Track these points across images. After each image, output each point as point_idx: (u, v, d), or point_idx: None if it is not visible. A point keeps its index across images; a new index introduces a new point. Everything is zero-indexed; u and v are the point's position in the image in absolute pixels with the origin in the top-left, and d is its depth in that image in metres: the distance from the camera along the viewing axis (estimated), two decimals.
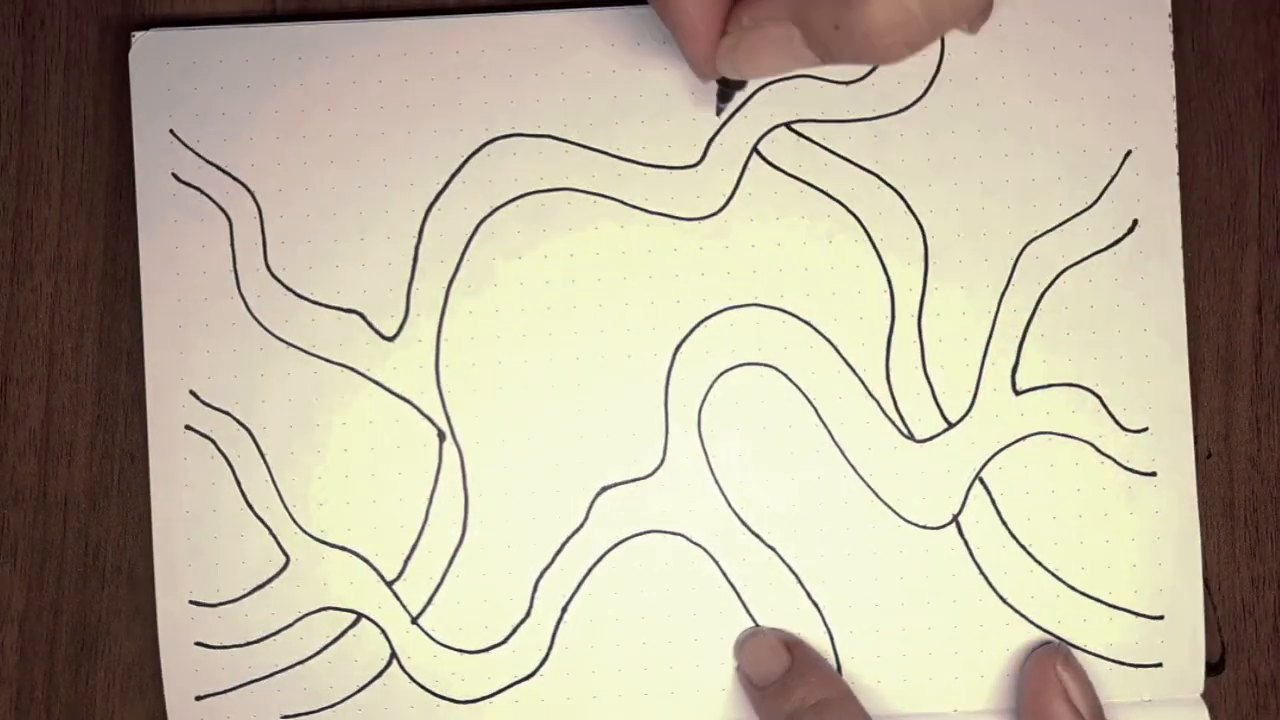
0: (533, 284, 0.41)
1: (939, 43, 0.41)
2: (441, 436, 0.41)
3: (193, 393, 0.41)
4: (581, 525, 0.41)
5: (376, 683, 0.41)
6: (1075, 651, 0.40)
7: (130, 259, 0.41)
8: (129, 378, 0.42)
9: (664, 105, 0.41)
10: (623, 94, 0.41)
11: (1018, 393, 0.41)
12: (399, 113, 0.41)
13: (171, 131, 0.41)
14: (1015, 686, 0.40)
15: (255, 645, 0.40)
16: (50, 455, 0.42)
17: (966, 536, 0.41)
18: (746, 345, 0.41)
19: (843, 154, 0.41)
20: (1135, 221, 0.41)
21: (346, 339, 0.41)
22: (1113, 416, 0.41)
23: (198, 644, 0.40)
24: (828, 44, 0.31)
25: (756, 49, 0.33)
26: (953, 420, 0.41)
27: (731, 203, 0.41)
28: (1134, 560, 0.41)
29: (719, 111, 0.40)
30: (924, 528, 0.41)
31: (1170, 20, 0.41)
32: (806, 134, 0.41)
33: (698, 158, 0.41)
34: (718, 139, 0.41)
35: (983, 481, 0.41)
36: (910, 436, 0.41)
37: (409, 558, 0.41)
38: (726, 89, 0.38)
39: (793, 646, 0.40)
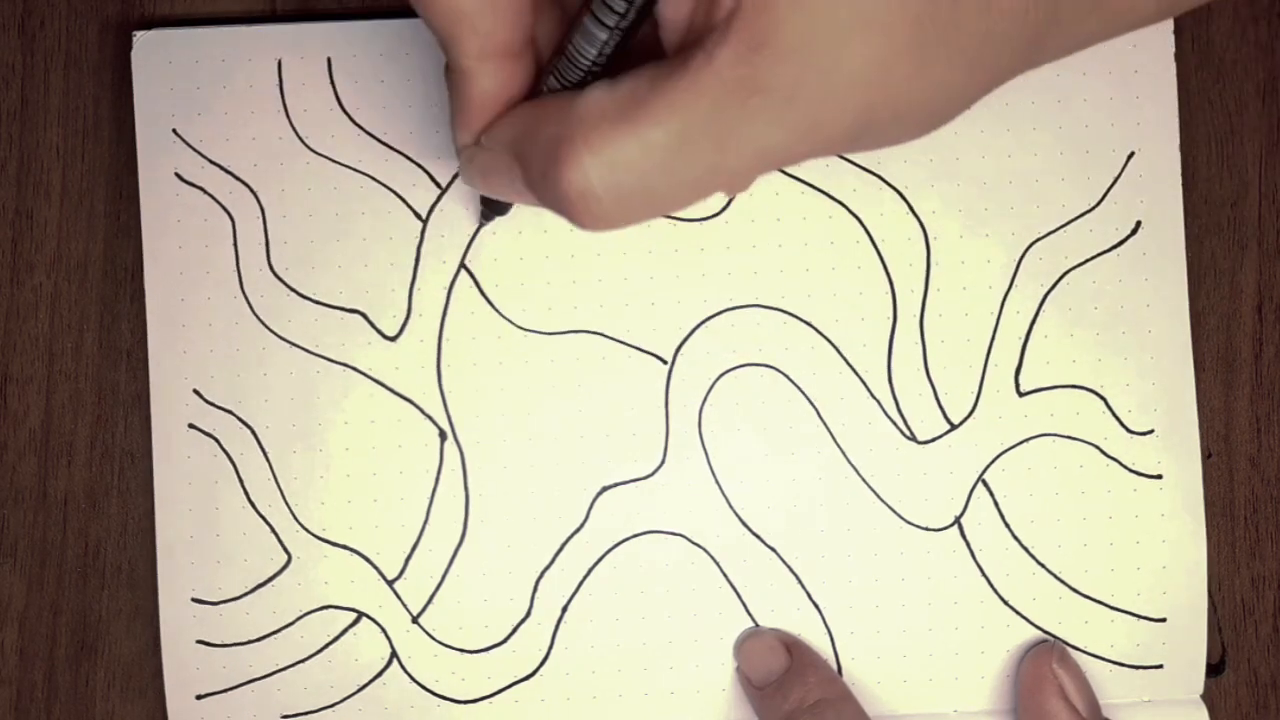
0: (534, 285, 0.41)
1: None
2: (443, 436, 0.41)
3: (196, 392, 0.41)
4: (582, 525, 0.41)
5: (377, 682, 0.41)
6: (1075, 653, 0.41)
7: (130, 259, 0.42)
8: (129, 378, 0.42)
9: None
10: None
11: (1021, 394, 0.41)
12: (401, 112, 0.41)
13: (174, 131, 0.41)
14: (1013, 686, 0.41)
15: (256, 644, 0.41)
16: (50, 455, 0.42)
17: (969, 538, 0.41)
18: (747, 346, 0.41)
19: (844, 155, 0.41)
20: (1139, 223, 0.41)
21: (349, 339, 0.41)
22: (1118, 419, 0.41)
23: (199, 642, 0.41)
24: (536, 190, 0.30)
25: (486, 171, 0.32)
26: (955, 422, 0.41)
27: (733, 204, 0.41)
28: (1139, 563, 0.41)
29: (479, 226, 0.41)
30: (926, 529, 0.41)
31: (1171, 21, 0.41)
32: None
33: None
34: None
35: (985, 483, 0.41)
36: (912, 438, 0.41)
37: (410, 557, 0.41)
38: (486, 208, 0.38)
39: (792, 646, 0.40)
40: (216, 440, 0.41)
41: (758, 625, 0.41)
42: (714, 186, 0.28)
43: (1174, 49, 0.41)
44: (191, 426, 0.41)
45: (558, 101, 0.30)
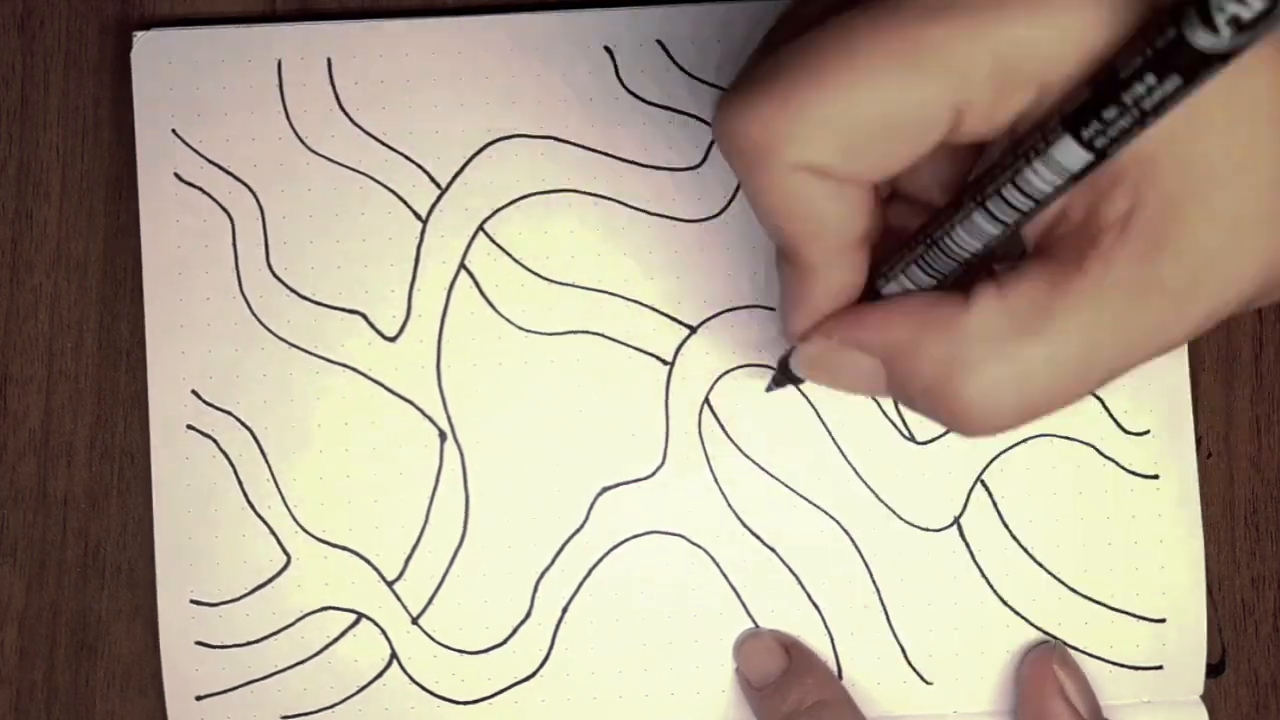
0: (533, 285, 0.41)
1: None
2: (443, 437, 0.41)
3: (194, 392, 0.41)
4: (582, 526, 0.41)
5: (377, 683, 0.41)
6: (1075, 654, 0.40)
7: (130, 259, 0.41)
8: (129, 378, 0.42)
9: (665, 106, 0.41)
10: (625, 95, 0.41)
11: None
12: (401, 113, 0.41)
13: (174, 131, 0.41)
14: (1013, 687, 0.41)
15: (256, 645, 0.40)
16: (50, 455, 0.42)
17: (968, 538, 0.41)
18: (746, 346, 0.41)
19: None
20: None
21: (348, 339, 0.41)
22: (1114, 419, 0.41)
23: (198, 643, 0.40)
24: (909, 400, 0.30)
25: (836, 371, 0.31)
26: None
27: (733, 204, 0.41)
28: (1136, 563, 0.41)
29: (769, 389, 0.40)
30: (925, 529, 0.41)
31: None
32: None
33: (699, 159, 0.41)
34: None
35: (984, 484, 0.41)
36: (911, 438, 0.41)
37: (410, 558, 0.41)
38: (783, 378, 0.37)
39: (790, 647, 0.40)
40: (215, 441, 0.41)
41: (757, 626, 0.41)
42: (1113, 379, 0.28)
43: None
44: (190, 428, 0.41)
45: (939, 312, 0.29)
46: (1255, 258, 0.26)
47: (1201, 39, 0.22)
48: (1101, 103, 0.24)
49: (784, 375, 0.37)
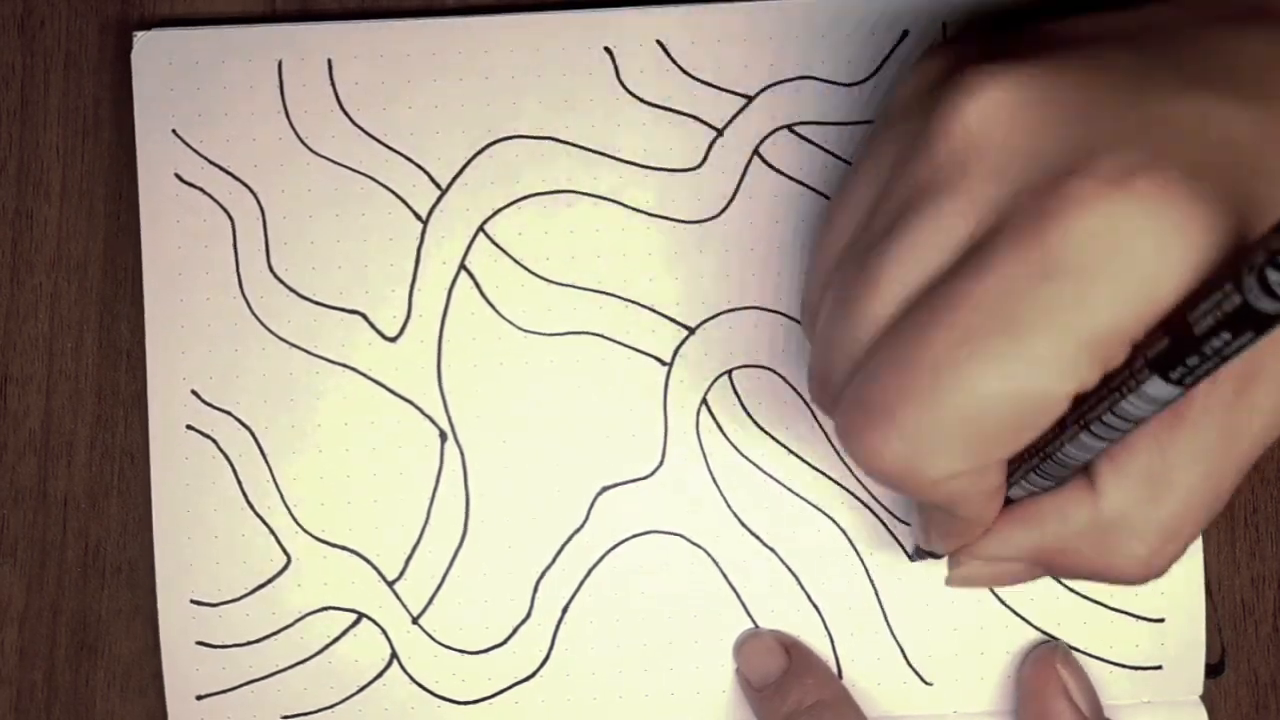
0: (533, 286, 0.41)
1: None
2: (443, 437, 0.41)
3: (194, 392, 0.40)
4: (582, 525, 0.41)
5: (377, 683, 0.40)
6: (1075, 654, 0.40)
7: (130, 259, 0.41)
8: (129, 378, 0.41)
9: (665, 107, 0.41)
10: (625, 96, 0.41)
11: None
12: (401, 114, 0.41)
13: (174, 132, 0.41)
14: (1015, 687, 0.40)
15: (256, 645, 0.40)
16: (50, 455, 0.41)
17: None
18: (745, 347, 0.41)
19: (844, 156, 0.41)
20: None
21: (348, 339, 0.41)
22: None
23: (198, 643, 0.40)
24: (1073, 576, 0.32)
25: (994, 579, 0.34)
26: None
27: (732, 205, 0.41)
28: None
29: (911, 559, 0.40)
30: None
31: None
32: (808, 136, 0.41)
33: (699, 160, 0.41)
34: (719, 142, 0.41)
35: None
36: None
37: (410, 558, 0.40)
38: (927, 556, 0.38)
39: (790, 647, 0.40)
40: (214, 441, 0.41)
41: (757, 626, 0.41)
42: (1239, 481, 0.30)
43: None
44: (189, 428, 0.41)
45: (1074, 507, 0.31)
46: None
47: (1265, 305, 0.23)
48: (1184, 352, 0.25)
49: (924, 554, 0.38)
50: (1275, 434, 0.29)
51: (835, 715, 0.38)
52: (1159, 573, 0.30)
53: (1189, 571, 0.40)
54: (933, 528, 0.34)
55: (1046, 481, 0.31)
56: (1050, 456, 0.30)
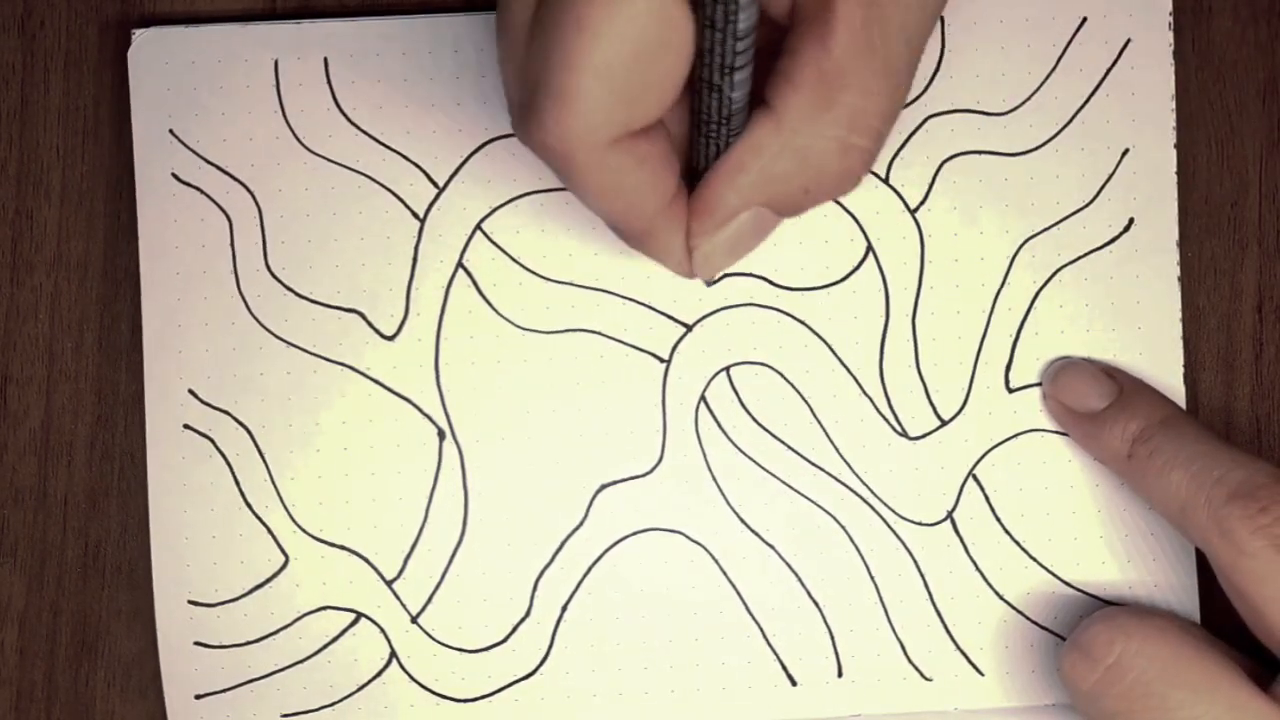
0: (531, 284, 0.40)
1: (939, 41, 0.40)
2: (441, 435, 0.40)
3: (191, 392, 0.40)
4: (581, 524, 0.40)
5: (376, 682, 0.40)
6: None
7: (130, 259, 0.40)
8: (129, 378, 0.41)
9: None
10: None
11: (1011, 390, 0.40)
12: (398, 112, 0.40)
13: (171, 131, 0.40)
14: (1012, 681, 0.40)
15: (254, 645, 0.40)
16: (50, 455, 0.41)
17: (962, 533, 0.40)
18: (742, 344, 0.40)
19: None
20: (1131, 220, 0.40)
21: (346, 338, 0.40)
22: None
23: (197, 643, 0.40)
24: (800, 205, 0.33)
25: (732, 245, 0.34)
26: (946, 418, 0.40)
27: None
28: (1129, 556, 0.40)
29: (708, 284, 0.40)
30: (919, 524, 0.40)
31: (1170, 20, 0.40)
32: None
33: None
34: None
35: (976, 478, 0.40)
36: (904, 434, 0.40)
37: (409, 557, 0.40)
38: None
39: (1115, 372, 0.39)
40: (212, 441, 0.40)
41: (758, 624, 0.40)
42: (912, 72, 0.32)
43: (1172, 48, 0.40)
44: (187, 427, 0.40)
45: (762, 138, 0.32)
46: None
47: None
48: None
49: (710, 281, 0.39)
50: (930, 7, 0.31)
51: (1177, 434, 0.37)
52: (862, 166, 0.32)
53: (1184, 565, 0.40)
54: (646, 252, 0.34)
55: (727, 137, 0.32)
56: (708, 117, 0.32)
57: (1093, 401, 0.38)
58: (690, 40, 0.29)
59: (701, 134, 0.32)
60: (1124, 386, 0.39)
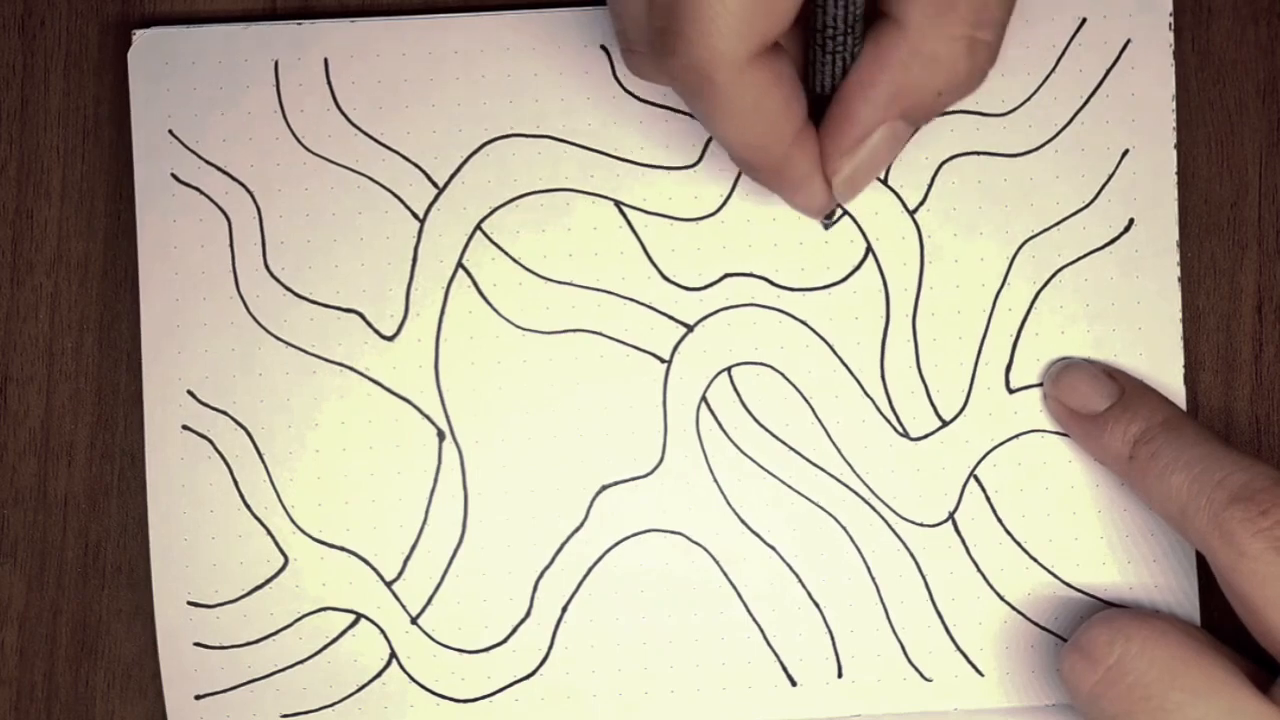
0: (531, 284, 0.40)
1: None
2: (441, 436, 0.40)
3: (190, 393, 0.40)
4: (581, 524, 0.40)
5: (376, 682, 0.40)
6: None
7: (130, 259, 0.40)
8: (129, 378, 0.40)
9: (661, 105, 0.40)
10: (621, 94, 0.40)
11: (1011, 391, 0.40)
12: (398, 113, 0.40)
13: (170, 131, 0.40)
14: (1012, 681, 0.40)
15: (254, 645, 0.39)
16: (50, 455, 0.41)
17: (963, 534, 0.40)
18: (743, 345, 0.40)
19: None
20: (1131, 220, 0.40)
21: (345, 338, 0.40)
22: None
23: (196, 644, 0.39)
24: (936, 109, 0.33)
25: (872, 163, 0.34)
26: (947, 418, 0.40)
27: (729, 203, 0.40)
28: (1129, 557, 0.40)
29: (827, 227, 0.40)
30: (921, 525, 0.40)
31: (1170, 20, 0.40)
32: None
33: (695, 158, 0.40)
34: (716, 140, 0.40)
35: (977, 479, 0.40)
36: (905, 434, 0.40)
37: (408, 558, 0.40)
38: (832, 218, 0.39)
39: (1116, 374, 0.39)
40: (211, 442, 0.40)
41: (758, 624, 0.40)
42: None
43: (1172, 48, 0.40)
44: (185, 428, 0.40)
45: (887, 52, 0.32)
46: None
47: None
48: None
49: (831, 219, 0.39)
50: None
51: (1178, 436, 0.37)
52: (990, 60, 0.32)
53: (1182, 565, 0.39)
54: (784, 190, 0.35)
55: (851, 49, 0.33)
56: (839, 26, 0.32)
57: (1094, 402, 0.38)
58: None
59: (825, 52, 0.33)
60: (1125, 387, 0.38)
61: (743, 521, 0.40)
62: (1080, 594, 0.40)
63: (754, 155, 0.33)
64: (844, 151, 0.33)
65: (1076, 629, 0.37)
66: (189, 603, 0.39)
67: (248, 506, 0.40)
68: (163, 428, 0.40)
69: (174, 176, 0.40)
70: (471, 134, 0.40)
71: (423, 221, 0.40)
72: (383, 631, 0.39)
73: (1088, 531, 0.40)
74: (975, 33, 0.31)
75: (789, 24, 0.31)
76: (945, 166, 0.40)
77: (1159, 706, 0.34)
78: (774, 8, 0.30)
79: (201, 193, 0.40)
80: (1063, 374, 0.39)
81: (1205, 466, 0.35)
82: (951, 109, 0.39)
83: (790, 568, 0.40)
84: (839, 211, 0.39)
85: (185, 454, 0.40)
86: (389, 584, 0.40)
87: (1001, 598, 0.40)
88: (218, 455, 0.40)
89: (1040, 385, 0.40)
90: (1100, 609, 0.39)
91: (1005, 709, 0.40)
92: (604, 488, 0.40)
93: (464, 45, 0.40)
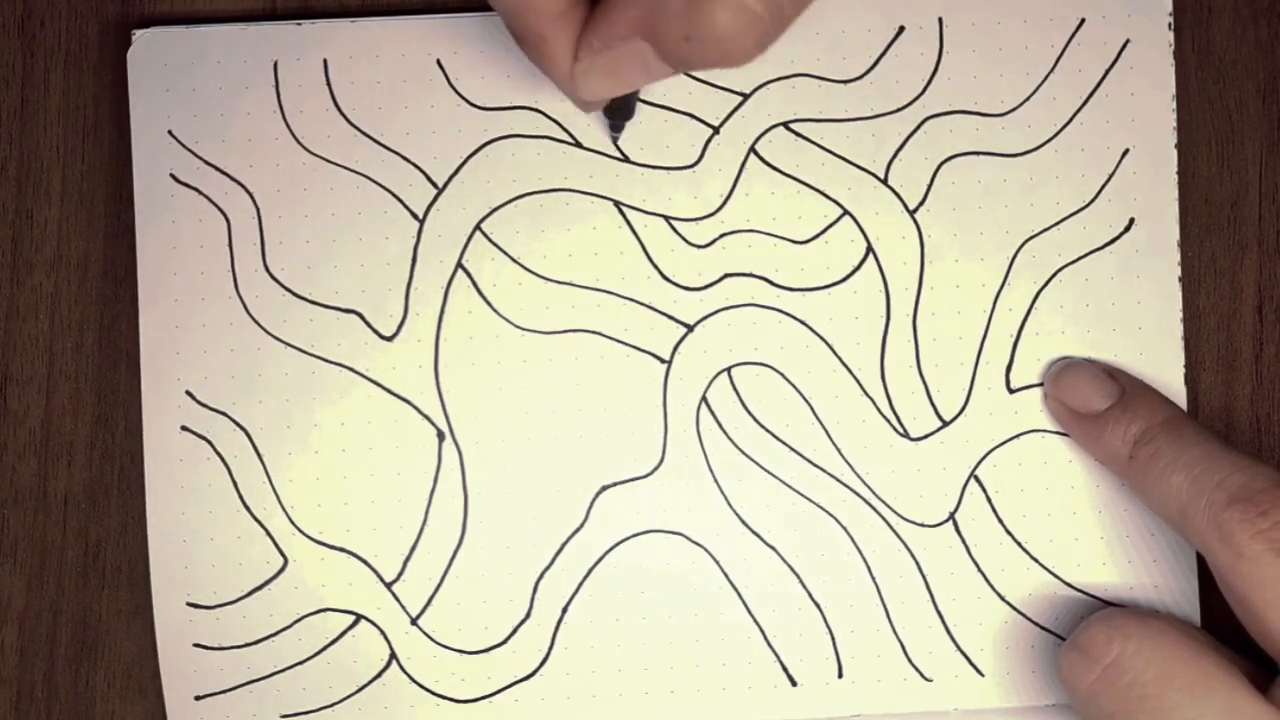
0: (531, 284, 0.40)
1: (937, 41, 0.40)
2: (440, 436, 0.40)
3: (189, 393, 0.40)
4: (581, 525, 0.40)
5: (376, 683, 0.39)
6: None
7: (131, 259, 0.40)
8: (129, 378, 0.40)
9: (661, 105, 0.40)
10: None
11: (1012, 391, 0.40)
12: (397, 113, 0.40)
13: (170, 132, 0.40)
14: (1012, 681, 0.39)
15: (254, 646, 0.39)
16: (50, 455, 0.40)
17: (963, 534, 0.40)
18: (743, 345, 0.40)
19: (840, 153, 0.40)
20: (1132, 220, 0.40)
21: (345, 339, 0.40)
22: None
23: (196, 645, 0.39)
24: (681, 55, 0.31)
25: (611, 70, 0.32)
26: (947, 418, 0.40)
27: (729, 203, 0.40)
28: (1129, 557, 0.39)
29: (615, 141, 0.40)
30: (921, 525, 0.40)
31: (1170, 20, 0.40)
32: (804, 133, 0.40)
33: (695, 158, 0.40)
34: (715, 140, 0.40)
35: (978, 479, 0.40)
36: (905, 434, 0.40)
37: (408, 558, 0.39)
38: (614, 119, 0.38)
39: (1117, 374, 0.39)
40: (210, 443, 0.40)
41: (758, 625, 0.39)
42: None
43: (1172, 48, 0.40)
44: (184, 429, 0.40)
45: None
46: None
47: None
48: None
49: (612, 116, 0.38)
50: None
51: (1178, 437, 0.37)
52: (751, 35, 0.30)
53: (1182, 565, 0.39)
54: (539, 58, 0.33)
55: None
56: None
57: (1094, 402, 0.38)
58: None
59: None
60: (1126, 387, 0.38)
61: (743, 522, 0.40)
62: (1081, 594, 0.39)
63: (516, 24, 0.32)
64: (591, 47, 0.32)
65: (1076, 628, 0.37)
66: (188, 604, 0.39)
67: (247, 508, 0.39)
68: (161, 429, 0.39)
69: (173, 177, 0.40)
70: (471, 134, 0.40)
71: (422, 222, 0.40)
72: (383, 632, 0.39)
73: (1088, 532, 0.39)
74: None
75: None
76: (945, 166, 0.40)
77: (1156, 706, 0.34)
78: None
79: (201, 193, 0.40)
80: (1063, 373, 0.39)
81: (1205, 467, 0.35)
82: (951, 109, 0.39)
83: (790, 568, 0.39)
84: (624, 125, 0.38)
85: (184, 455, 0.39)
86: (389, 585, 0.39)
87: (1002, 598, 0.39)
88: (217, 456, 0.39)
89: (1041, 385, 0.40)
90: (1100, 609, 0.39)
91: (1005, 709, 0.40)
92: (604, 488, 0.40)
93: (463, 45, 0.40)
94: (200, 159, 0.40)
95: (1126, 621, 0.35)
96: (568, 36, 0.32)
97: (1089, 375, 0.39)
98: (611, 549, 0.40)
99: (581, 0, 0.32)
